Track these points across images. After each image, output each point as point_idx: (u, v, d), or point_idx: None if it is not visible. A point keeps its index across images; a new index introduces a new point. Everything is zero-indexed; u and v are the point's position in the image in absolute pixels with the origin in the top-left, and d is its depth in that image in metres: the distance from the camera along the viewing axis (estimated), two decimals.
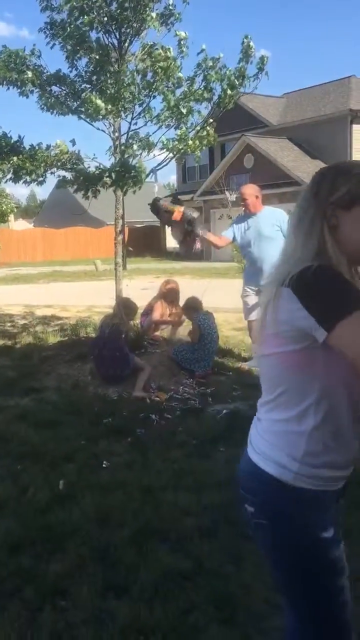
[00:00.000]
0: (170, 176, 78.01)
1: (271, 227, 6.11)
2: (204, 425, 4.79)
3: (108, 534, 3.09)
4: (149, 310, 7.04)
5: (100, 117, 5.34)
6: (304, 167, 26.20)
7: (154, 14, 5.41)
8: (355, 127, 26.44)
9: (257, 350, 1.58)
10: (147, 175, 5.61)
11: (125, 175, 5.37)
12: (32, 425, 4.78)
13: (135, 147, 5.78)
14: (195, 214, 5.34)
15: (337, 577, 1.53)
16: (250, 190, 6.24)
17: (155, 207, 5.25)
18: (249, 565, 2.79)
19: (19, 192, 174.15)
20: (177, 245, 5.91)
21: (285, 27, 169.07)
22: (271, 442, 1.53)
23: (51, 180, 6.30)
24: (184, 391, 5.62)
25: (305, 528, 1.49)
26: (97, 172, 5.68)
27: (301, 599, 1.55)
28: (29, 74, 5.38)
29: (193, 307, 6.51)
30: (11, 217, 48.36)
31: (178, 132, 5.64)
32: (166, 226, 5.67)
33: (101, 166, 5.81)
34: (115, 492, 3.56)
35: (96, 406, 5.22)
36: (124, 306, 6.13)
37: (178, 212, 5.16)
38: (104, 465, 4.02)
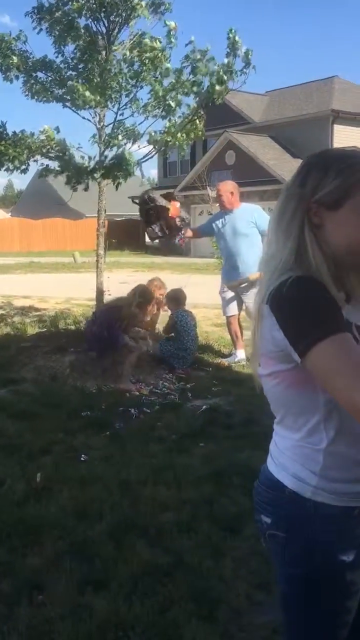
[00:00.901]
0: (150, 170, 77.78)
1: (246, 224, 6.13)
2: (183, 420, 4.77)
3: (86, 528, 3.05)
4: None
5: (87, 106, 5.25)
6: (286, 166, 26.30)
7: (143, 3, 5.33)
8: (336, 127, 26.63)
9: (256, 370, 1.45)
10: (135, 167, 5.56)
11: (116, 168, 5.30)
12: (9, 417, 4.71)
13: (120, 137, 5.71)
14: (186, 215, 5.50)
15: (347, 600, 1.44)
16: (226, 187, 6.22)
17: (148, 199, 5.28)
18: (228, 562, 2.78)
19: None
20: (157, 240, 5.99)
21: (270, 26, 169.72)
22: (289, 456, 1.43)
23: (29, 172, 6.21)
24: (163, 386, 5.59)
25: (320, 545, 1.39)
26: (86, 164, 5.60)
27: (302, 616, 1.47)
28: (15, 59, 5.26)
29: (176, 300, 6.45)
30: None
31: (166, 123, 5.58)
32: (146, 221, 5.67)
33: (88, 157, 5.74)
34: (93, 486, 3.52)
35: (75, 399, 5.16)
36: (140, 294, 5.98)
37: (175, 208, 5.23)
38: (82, 459, 3.97)
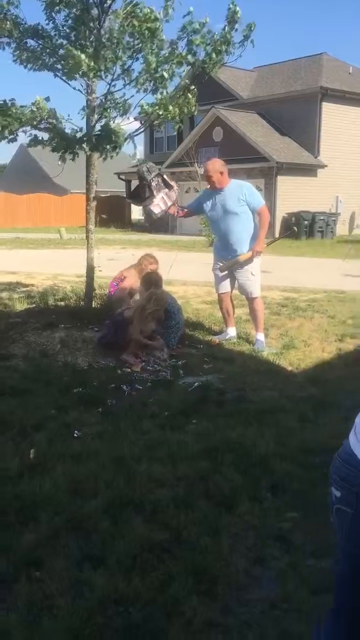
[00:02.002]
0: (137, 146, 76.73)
1: (237, 202, 6.06)
2: (176, 397, 4.76)
3: (81, 504, 3.04)
4: (120, 279, 6.89)
5: (80, 73, 5.10)
6: (273, 143, 26.12)
7: None
8: (325, 104, 26.42)
9: None
10: (125, 141, 5.45)
11: (105, 140, 5.19)
12: None
13: (110, 110, 5.59)
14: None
15: None
16: (215, 166, 6.12)
17: (149, 170, 5.32)
18: (225, 537, 2.79)
19: None
20: (142, 217, 6.19)
21: (259, 0, 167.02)
22: None
23: (12, 146, 6.07)
24: (154, 362, 5.56)
25: None
26: (75, 134, 5.47)
27: (356, 598, 1.48)
28: (8, 24, 5.09)
29: (150, 282, 6.21)
30: None
31: (157, 96, 5.46)
32: (146, 196, 5.66)
33: (77, 128, 5.61)
34: (87, 462, 3.50)
35: (66, 375, 5.12)
36: (156, 301, 5.72)
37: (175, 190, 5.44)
38: (75, 435, 3.94)
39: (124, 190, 34.78)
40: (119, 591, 2.38)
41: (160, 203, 5.71)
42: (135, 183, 28.68)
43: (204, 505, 3.06)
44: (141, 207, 5.98)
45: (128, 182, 33.85)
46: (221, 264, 6.41)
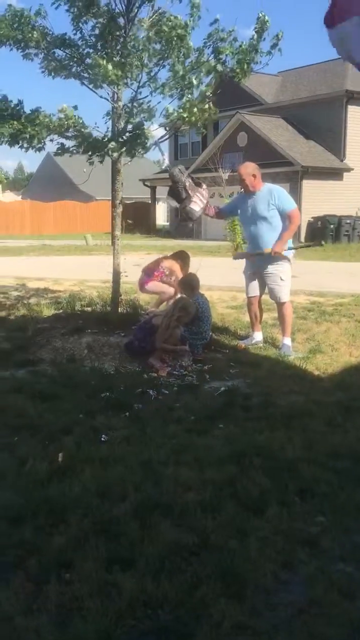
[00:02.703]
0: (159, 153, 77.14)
1: (266, 206, 6.06)
2: (202, 401, 4.77)
3: (110, 508, 3.06)
4: (160, 271, 7.00)
5: (107, 82, 5.17)
6: (298, 147, 26.01)
7: None
8: (350, 108, 26.21)
9: None
10: (152, 147, 5.50)
11: (136, 139, 5.22)
12: (28, 398, 4.71)
13: (137, 116, 5.64)
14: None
15: None
16: (247, 170, 6.14)
17: (179, 173, 5.43)
18: (254, 541, 2.78)
19: (6, 164, 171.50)
20: (167, 223, 6.27)
21: (282, 5, 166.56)
22: None
23: (39, 155, 6.16)
24: (181, 367, 5.58)
25: None
26: (103, 138, 5.53)
27: None
28: (35, 34, 5.19)
29: (191, 286, 6.36)
30: None
31: (184, 100, 5.50)
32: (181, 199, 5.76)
33: (103, 133, 5.67)
34: (115, 466, 3.53)
35: (93, 380, 5.17)
36: (182, 308, 5.73)
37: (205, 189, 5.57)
38: (102, 439, 3.97)
39: (149, 196, 34.97)
40: (148, 593, 2.39)
41: (198, 202, 5.78)
42: (160, 190, 28.52)
43: (231, 509, 3.06)
44: (177, 209, 6.02)
45: (153, 189, 34.04)
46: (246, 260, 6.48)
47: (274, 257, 6.11)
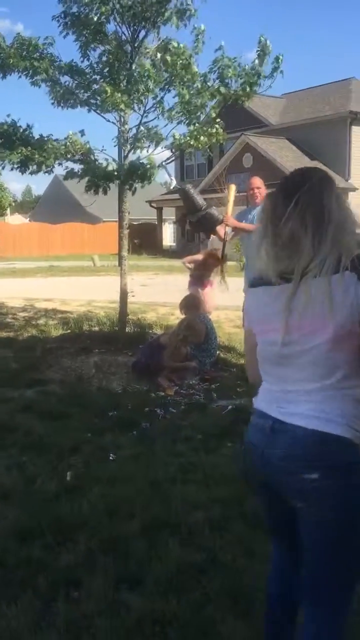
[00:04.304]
0: (165, 175, 78.05)
1: None
2: (210, 420, 4.78)
3: (118, 526, 3.07)
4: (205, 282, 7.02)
5: (114, 108, 5.30)
6: None
7: (171, 9, 5.37)
8: (354, 128, 26.45)
9: (302, 339, 1.62)
10: (157, 169, 5.60)
11: (133, 175, 5.35)
12: (37, 417, 4.75)
13: (144, 141, 5.76)
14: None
15: None
16: (259, 182, 6.26)
17: (206, 212, 5.53)
18: (262, 559, 2.77)
19: (14, 186, 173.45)
20: (174, 243, 6.36)
21: (286, 27, 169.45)
22: (333, 410, 1.62)
23: (47, 178, 6.31)
24: (188, 386, 5.60)
25: None
26: (107, 168, 5.64)
27: (344, 566, 1.66)
28: (43, 63, 5.32)
29: (195, 306, 6.42)
30: (7, 211, 48.17)
31: (191, 127, 5.62)
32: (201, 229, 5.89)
33: (111, 160, 5.78)
34: (123, 485, 3.54)
35: (101, 399, 5.20)
36: (187, 327, 5.83)
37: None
38: (110, 458, 3.99)
39: (156, 217, 35.23)
40: (156, 612, 2.40)
41: (215, 211, 5.86)
42: (166, 210, 28.54)
43: (239, 527, 3.07)
44: (195, 222, 6.07)
45: (159, 210, 34.29)
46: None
47: None
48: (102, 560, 2.77)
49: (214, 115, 5.80)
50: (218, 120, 6.09)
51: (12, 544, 2.90)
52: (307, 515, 1.66)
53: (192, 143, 5.59)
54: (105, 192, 6.08)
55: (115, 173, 5.80)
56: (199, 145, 5.65)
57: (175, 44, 5.37)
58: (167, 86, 5.49)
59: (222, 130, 6.07)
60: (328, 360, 1.60)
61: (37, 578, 2.65)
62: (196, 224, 6.02)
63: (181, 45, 5.43)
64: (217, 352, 6.38)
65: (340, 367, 1.61)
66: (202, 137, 5.59)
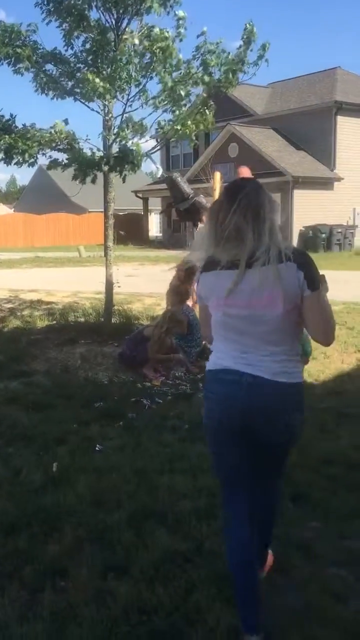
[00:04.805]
0: (151, 165, 77.58)
1: None
2: (196, 410, 4.78)
3: (104, 516, 3.08)
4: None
5: (96, 96, 5.24)
6: (289, 158, 26.21)
7: None
8: (339, 118, 26.47)
9: (266, 308, 2.06)
10: (143, 159, 5.56)
11: (124, 161, 5.30)
12: (22, 409, 4.73)
13: (128, 131, 5.70)
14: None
15: None
16: (247, 172, 6.22)
17: (194, 200, 5.50)
18: None
19: None
20: (160, 234, 6.33)
21: (271, 15, 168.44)
22: (291, 366, 2.17)
23: (32, 167, 6.22)
24: (174, 376, 5.61)
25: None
26: (94, 156, 5.58)
27: (284, 464, 2.41)
28: (26, 50, 5.25)
29: (180, 295, 6.37)
30: None
31: (176, 113, 5.57)
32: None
33: (96, 149, 5.72)
34: (109, 475, 3.55)
35: (87, 390, 5.19)
36: (170, 319, 5.84)
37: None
38: (97, 449, 3.99)
39: (142, 207, 35.10)
40: (143, 600, 2.41)
41: (202, 198, 5.84)
42: (152, 201, 28.30)
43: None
44: (182, 210, 6.05)
45: (145, 200, 34.15)
46: None
47: None
48: (88, 550, 2.78)
49: (200, 100, 5.74)
50: (210, 103, 6.03)
51: None
52: (281, 436, 2.22)
53: (178, 129, 5.53)
54: (93, 181, 6.02)
55: (105, 160, 5.73)
56: (187, 131, 5.60)
57: (157, 30, 5.31)
58: (147, 72, 5.41)
59: (210, 114, 6.02)
60: (281, 329, 2.10)
61: (24, 569, 2.66)
62: (184, 213, 5.99)
63: (164, 30, 5.36)
64: (204, 342, 6.37)
65: (289, 334, 2.14)
66: (189, 122, 5.53)
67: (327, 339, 2.18)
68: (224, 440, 2.22)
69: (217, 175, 6.10)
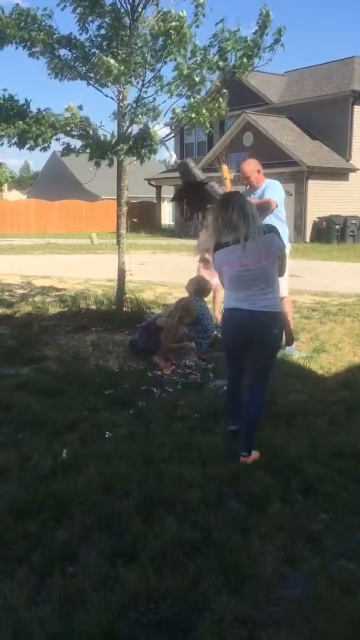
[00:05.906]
0: (165, 153, 77.23)
1: None
2: (206, 399, 4.79)
3: (113, 503, 3.09)
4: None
5: (111, 80, 5.18)
6: (304, 148, 25.98)
7: None
8: (357, 108, 26.14)
9: (257, 264, 3.52)
10: (158, 145, 5.52)
11: (142, 144, 5.24)
12: (33, 394, 4.75)
13: (142, 116, 5.65)
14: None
15: None
16: (251, 167, 6.12)
17: (208, 184, 5.47)
18: (256, 537, 2.80)
19: (12, 162, 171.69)
20: (172, 222, 6.22)
21: (289, 2, 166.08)
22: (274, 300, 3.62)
23: (44, 154, 6.17)
24: (185, 365, 5.60)
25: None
26: (110, 139, 5.53)
27: (270, 366, 3.75)
28: (41, 34, 5.20)
29: (206, 290, 6.41)
30: (4, 187, 47.70)
31: (190, 100, 5.50)
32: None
33: (110, 135, 5.68)
34: (119, 462, 3.55)
35: (97, 377, 5.20)
36: (182, 309, 5.79)
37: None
38: (106, 436, 4.00)
39: (154, 196, 35.00)
40: (151, 587, 2.42)
41: (216, 184, 5.76)
42: (165, 189, 28.18)
43: (234, 506, 3.09)
44: (194, 203, 6.01)
45: (158, 188, 34.05)
46: None
47: None
48: (97, 536, 2.79)
49: (213, 87, 5.66)
50: (224, 91, 5.95)
51: (8, 520, 2.92)
52: (266, 342, 3.59)
53: (192, 116, 5.47)
54: (110, 165, 5.93)
55: (120, 142, 5.65)
56: (200, 119, 5.52)
57: (173, 13, 5.22)
58: (163, 57, 5.31)
59: (224, 102, 5.94)
60: (268, 276, 3.56)
61: (33, 553, 2.67)
62: (194, 202, 5.92)
63: (178, 13, 5.26)
64: (215, 333, 6.36)
65: (274, 279, 3.59)
66: (203, 110, 5.46)
67: (282, 274, 3.75)
68: (232, 349, 3.79)
69: (225, 168, 6.08)
